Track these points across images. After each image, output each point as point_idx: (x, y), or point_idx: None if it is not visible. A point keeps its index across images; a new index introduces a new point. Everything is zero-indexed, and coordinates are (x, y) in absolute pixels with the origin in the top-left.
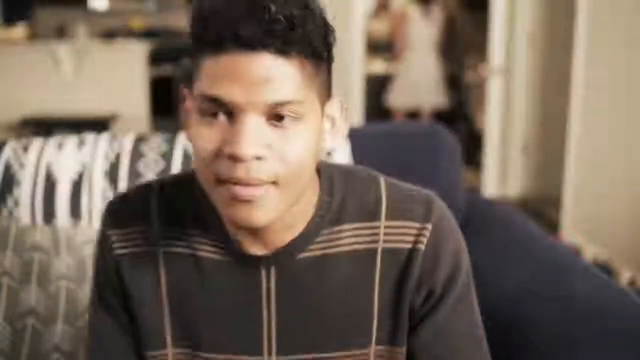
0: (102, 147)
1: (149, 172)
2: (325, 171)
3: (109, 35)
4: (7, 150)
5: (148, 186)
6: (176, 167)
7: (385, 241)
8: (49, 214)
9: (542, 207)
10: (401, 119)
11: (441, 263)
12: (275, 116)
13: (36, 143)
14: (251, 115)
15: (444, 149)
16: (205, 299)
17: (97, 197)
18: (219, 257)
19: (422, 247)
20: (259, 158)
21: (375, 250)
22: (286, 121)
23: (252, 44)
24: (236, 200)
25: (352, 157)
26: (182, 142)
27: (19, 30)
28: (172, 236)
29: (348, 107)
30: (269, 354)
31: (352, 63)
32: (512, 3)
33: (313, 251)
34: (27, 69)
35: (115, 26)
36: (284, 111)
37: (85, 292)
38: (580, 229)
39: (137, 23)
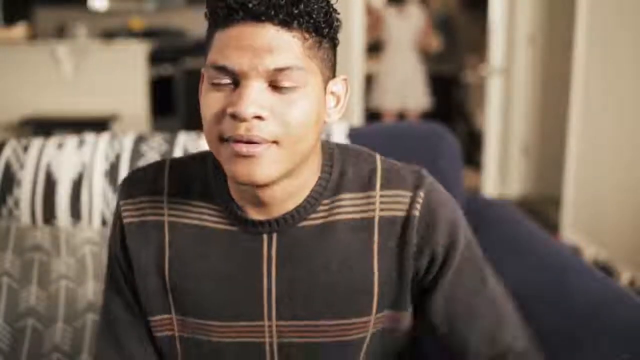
0: (102, 147)
1: None
2: (325, 148)
3: (109, 35)
4: (7, 150)
5: (162, 161)
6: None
7: (381, 209)
8: (49, 214)
9: (542, 207)
10: (391, 120)
11: (438, 229)
12: (277, 83)
13: (36, 143)
14: (254, 80)
15: (444, 149)
16: (208, 266)
17: (97, 197)
18: (222, 225)
19: (416, 213)
20: (259, 118)
21: (372, 219)
22: (284, 88)
23: (257, 16)
24: (238, 156)
25: None
26: (182, 142)
27: (19, 30)
28: (179, 207)
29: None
30: (269, 319)
31: (352, 63)
32: (512, 3)
33: (314, 220)
34: (27, 69)
35: (115, 26)
36: (284, 78)
37: (85, 292)
38: (580, 229)
39: (137, 23)
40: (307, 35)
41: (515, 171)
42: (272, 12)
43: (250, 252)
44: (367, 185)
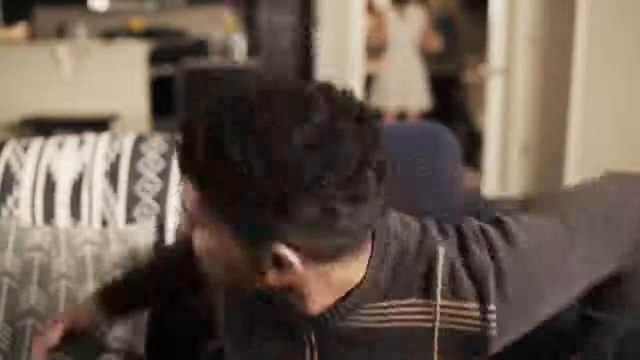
0: (102, 147)
1: (149, 172)
2: (380, 239)
3: (109, 35)
4: (7, 150)
5: None
6: (176, 167)
7: (442, 321)
8: (49, 214)
9: None
10: (391, 120)
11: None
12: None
13: (36, 143)
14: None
15: (444, 149)
16: (258, 345)
17: (97, 197)
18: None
19: (493, 332)
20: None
21: (431, 330)
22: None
23: None
24: None
25: None
26: None
27: (19, 30)
28: None
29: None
30: None
31: (351, 63)
32: (512, 3)
33: (355, 322)
34: (27, 69)
35: (115, 26)
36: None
37: (85, 292)
38: None
39: (137, 23)
40: (197, 191)
41: (515, 171)
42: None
43: (295, 345)
44: (425, 292)
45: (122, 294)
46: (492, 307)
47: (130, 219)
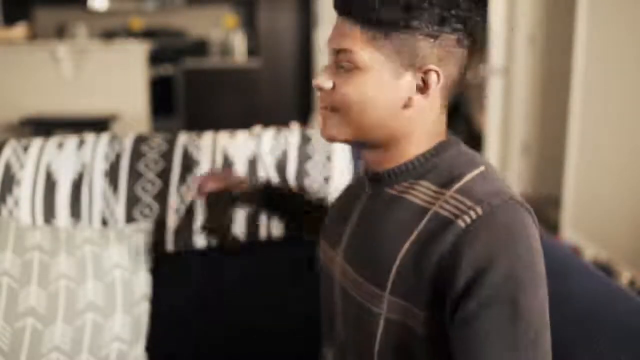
0: (102, 147)
1: (149, 172)
2: (447, 146)
3: (109, 35)
4: (7, 150)
5: None
6: (176, 167)
7: (439, 206)
8: (49, 214)
9: (542, 207)
10: None
11: (463, 261)
12: (338, 61)
13: (36, 143)
14: (329, 58)
15: None
16: (339, 201)
17: (97, 197)
18: (363, 175)
19: (461, 224)
20: (321, 89)
21: (428, 210)
22: (346, 68)
23: (339, 11)
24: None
25: (352, 156)
26: (182, 142)
27: (19, 30)
28: None
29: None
30: (336, 250)
31: None
32: (512, 3)
33: (394, 190)
34: (27, 69)
35: (115, 26)
36: (342, 58)
37: (85, 292)
38: (580, 229)
39: (137, 23)
40: (366, 27)
41: (515, 171)
42: (342, 9)
43: (357, 197)
44: (446, 183)
45: (281, 193)
46: (479, 209)
47: (130, 219)
